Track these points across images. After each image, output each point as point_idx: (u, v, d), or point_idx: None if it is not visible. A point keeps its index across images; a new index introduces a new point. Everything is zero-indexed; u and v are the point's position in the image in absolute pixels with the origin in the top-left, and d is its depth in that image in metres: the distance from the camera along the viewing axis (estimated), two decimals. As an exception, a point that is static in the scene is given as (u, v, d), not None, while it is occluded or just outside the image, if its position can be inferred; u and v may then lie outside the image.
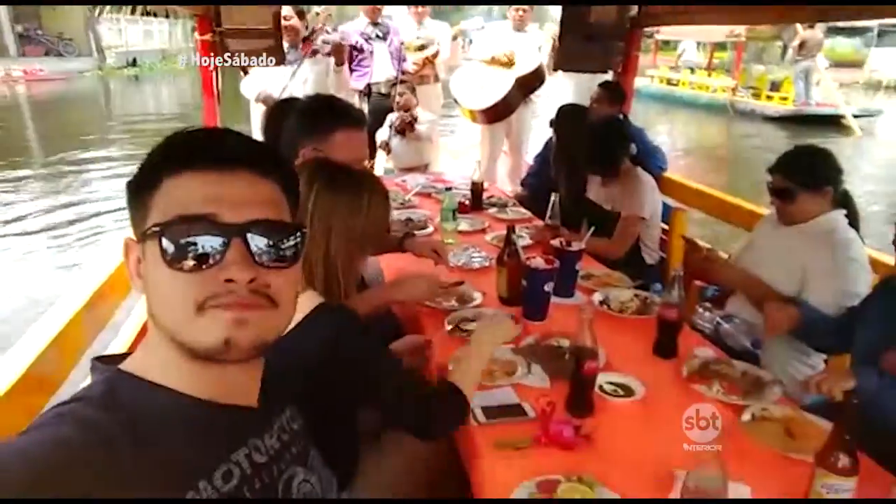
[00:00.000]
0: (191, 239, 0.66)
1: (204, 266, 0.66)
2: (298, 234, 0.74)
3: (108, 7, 21.95)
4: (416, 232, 2.61)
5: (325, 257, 1.29)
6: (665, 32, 17.88)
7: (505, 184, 4.72)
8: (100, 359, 0.74)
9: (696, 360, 1.65)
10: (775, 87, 14.37)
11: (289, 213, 0.76)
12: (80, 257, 5.45)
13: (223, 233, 0.67)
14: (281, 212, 0.73)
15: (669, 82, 17.49)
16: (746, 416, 1.41)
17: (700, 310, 1.98)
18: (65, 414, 0.63)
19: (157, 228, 0.67)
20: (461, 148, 5.44)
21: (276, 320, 0.72)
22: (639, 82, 18.39)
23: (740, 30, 14.71)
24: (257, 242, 0.68)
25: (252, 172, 0.71)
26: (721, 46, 17.95)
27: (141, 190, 0.70)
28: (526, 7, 4.52)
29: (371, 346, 1.28)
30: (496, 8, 4.78)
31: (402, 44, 4.74)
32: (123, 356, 0.74)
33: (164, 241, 0.66)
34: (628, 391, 1.50)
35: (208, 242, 0.66)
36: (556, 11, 4.33)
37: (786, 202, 2.00)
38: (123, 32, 25.08)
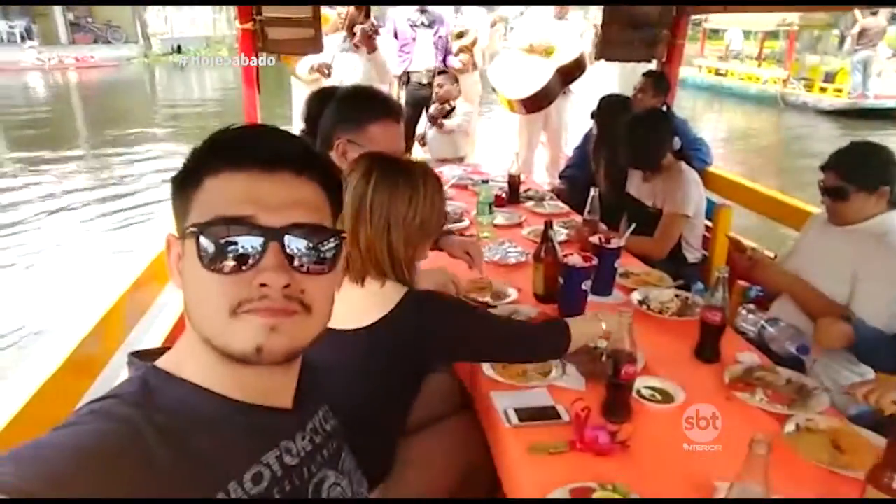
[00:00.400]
0: (228, 240, 0.65)
1: (240, 269, 0.66)
2: (337, 239, 0.72)
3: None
4: (453, 228, 2.57)
5: (389, 250, 1.32)
6: (714, 21, 17.32)
7: (543, 176, 4.65)
8: (137, 354, 0.74)
9: (740, 366, 1.59)
10: (829, 78, 13.69)
11: (330, 217, 0.74)
12: (124, 242, 5.59)
13: (261, 236, 0.66)
14: (322, 216, 0.72)
15: (717, 72, 16.96)
16: (790, 427, 1.35)
17: (743, 312, 1.91)
18: (98, 411, 0.64)
19: (195, 228, 0.66)
20: (498, 139, 5.38)
21: (309, 327, 0.70)
22: (685, 72, 18.05)
23: (793, 18, 14.08)
24: (295, 247, 0.67)
25: (294, 173, 0.69)
26: (773, 35, 17.26)
27: (184, 187, 0.70)
28: None
29: (461, 308, 1.45)
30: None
31: (448, 35, 4.69)
32: (161, 351, 0.74)
33: (202, 242, 0.66)
34: (667, 397, 1.45)
35: (245, 245, 0.66)
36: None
37: (838, 201, 1.91)
38: (168, 20, 25.62)
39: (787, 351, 1.70)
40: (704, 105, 15.27)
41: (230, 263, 0.65)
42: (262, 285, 0.65)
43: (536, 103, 4.34)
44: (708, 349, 1.64)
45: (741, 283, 2.49)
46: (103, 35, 22.80)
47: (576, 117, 4.71)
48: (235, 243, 0.65)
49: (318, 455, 0.80)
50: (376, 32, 3.78)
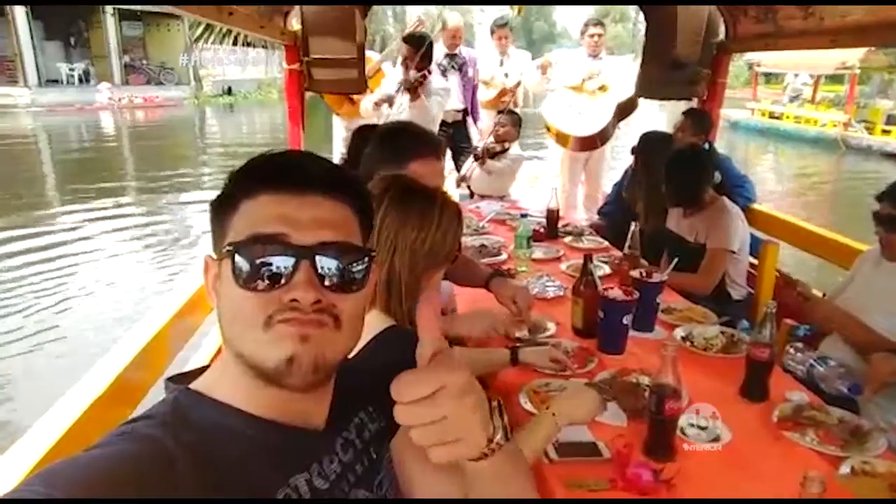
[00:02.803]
0: (261, 259, 0.67)
1: (273, 287, 0.67)
2: (367, 258, 0.73)
3: (207, 37, 23.50)
4: (491, 261, 2.57)
5: (389, 272, 1.26)
6: (767, 65, 17.18)
7: (581, 212, 4.64)
8: (172, 378, 0.76)
9: (789, 404, 1.54)
10: (892, 120, 13.42)
11: (360, 236, 0.76)
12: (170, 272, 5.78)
13: (292, 253, 0.67)
14: (352, 235, 0.73)
15: (772, 115, 16.79)
16: (845, 469, 1.29)
17: (791, 350, 1.85)
18: (128, 432, 0.65)
19: (230, 247, 0.68)
20: (537, 175, 5.39)
21: (338, 341, 0.71)
22: (738, 115, 17.97)
23: (853, 60, 13.84)
24: (325, 265, 0.69)
25: (325, 195, 0.72)
26: (834, 79, 17.05)
27: (221, 210, 0.72)
28: (597, 31, 4.47)
29: None
30: (576, 34, 4.72)
31: (475, 74, 4.77)
32: (199, 372, 0.76)
33: (237, 261, 0.68)
34: (713, 435, 1.41)
35: (277, 262, 0.67)
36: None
37: (893, 233, 1.86)
38: (222, 63, 26.75)
39: (838, 390, 1.64)
40: (758, 147, 15.13)
41: (264, 282, 0.67)
42: (293, 300, 0.67)
43: (593, 142, 4.38)
44: (755, 387, 1.59)
45: (788, 321, 2.41)
46: (156, 76, 23.98)
47: (616, 155, 4.71)
48: (269, 262, 0.67)
49: (350, 474, 0.79)
50: (419, 84, 3.78)
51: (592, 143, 4.40)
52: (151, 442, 0.63)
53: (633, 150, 3.35)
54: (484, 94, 4.86)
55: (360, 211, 0.76)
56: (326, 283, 0.69)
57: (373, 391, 0.87)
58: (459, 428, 0.60)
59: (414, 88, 3.68)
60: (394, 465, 0.88)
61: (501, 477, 0.69)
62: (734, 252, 2.60)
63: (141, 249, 6.89)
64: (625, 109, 4.30)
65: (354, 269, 0.71)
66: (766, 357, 1.56)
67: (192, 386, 0.73)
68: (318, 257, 0.68)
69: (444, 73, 4.64)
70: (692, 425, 1.43)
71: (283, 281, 0.67)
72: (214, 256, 0.73)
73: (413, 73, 3.68)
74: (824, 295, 2.30)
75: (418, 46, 3.81)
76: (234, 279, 0.68)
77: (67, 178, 11.11)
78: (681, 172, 2.67)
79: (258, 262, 0.67)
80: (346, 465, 0.78)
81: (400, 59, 3.87)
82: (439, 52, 4.68)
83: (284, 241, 0.68)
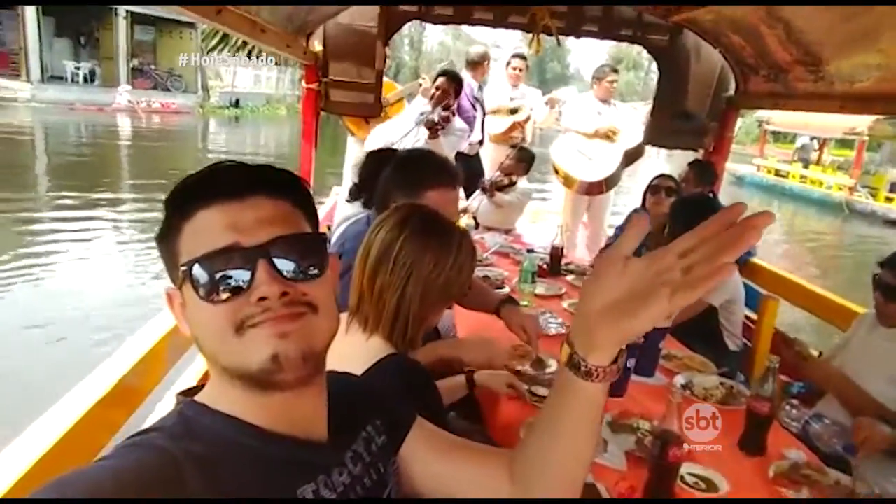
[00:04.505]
0: (219, 270, 0.68)
1: (238, 293, 0.68)
2: (321, 243, 0.75)
3: (221, 48, 23.69)
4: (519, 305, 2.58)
5: (399, 301, 1.27)
6: (777, 123, 17.47)
7: (582, 252, 4.68)
8: (183, 392, 0.76)
9: (786, 461, 1.55)
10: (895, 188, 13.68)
11: (309, 226, 0.77)
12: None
13: (247, 256, 0.68)
14: (300, 226, 0.74)
15: (778, 173, 17.05)
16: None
17: (787, 407, 1.88)
18: (138, 443, 0.66)
19: (184, 268, 0.69)
20: (538, 211, 5.45)
21: (320, 326, 0.72)
22: (743, 169, 18.21)
23: (862, 126, 14.13)
24: (282, 258, 0.69)
25: (262, 195, 0.72)
26: (844, 144, 17.40)
27: (167, 241, 0.72)
28: (613, 78, 4.57)
29: (435, 406, 1.28)
30: (589, 77, 4.78)
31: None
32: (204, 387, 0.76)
33: (195, 278, 0.68)
34: (711, 486, 1.41)
35: (235, 268, 0.68)
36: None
37: (890, 302, 1.89)
38: (234, 75, 26.94)
39: (832, 449, 1.66)
40: (762, 203, 15.35)
41: (227, 291, 0.68)
42: (261, 299, 0.67)
43: (599, 187, 4.45)
44: (753, 441, 1.60)
45: (783, 377, 2.43)
46: (163, 82, 24.05)
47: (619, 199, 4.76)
48: (228, 272, 0.68)
49: (359, 486, 0.79)
50: (440, 126, 3.65)
51: (599, 188, 4.46)
52: (160, 453, 0.64)
53: (642, 205, 3.39)
54: (493, 127, 4.90)
55: (299, 203, 0.76)
56: (288, 276, 0.69)
57: (378, 406, 0.90)
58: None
59: (435, 128, 3.67)
60: (402, 477, 0.89)
61: (600, 406, 0.74)
62: (714, 306, 2.62)
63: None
64: (632, 156, 4.38)
65: (312, 257, 0.72)
66: (767, 412, 1.58)
67: (197, 398, 0.74)
68: (273, 251, 0.69)
69: (473, 105, 4.65)
70: (691, 474, 1.44)
71: (245, 286, 0.68)
72: (174, 287, 0.73)
73: (439, 112, 3.64)
74: (820, 354, 2.34)
75: (458, 83, 3.75)
76: (197, 297, 0.68)
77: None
78: (688, 219, 2.70)
79: (217, 274, 0.68)
80: (356, 478, 0.79)
81: (431, 91, 3.78)
82: (470, 87, 4.65)
83: (236, 247, 0.68)
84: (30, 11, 20.11)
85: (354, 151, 4.36)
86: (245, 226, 0.69)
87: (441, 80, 3.69)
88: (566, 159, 4.48)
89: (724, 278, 0.60)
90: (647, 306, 0.63)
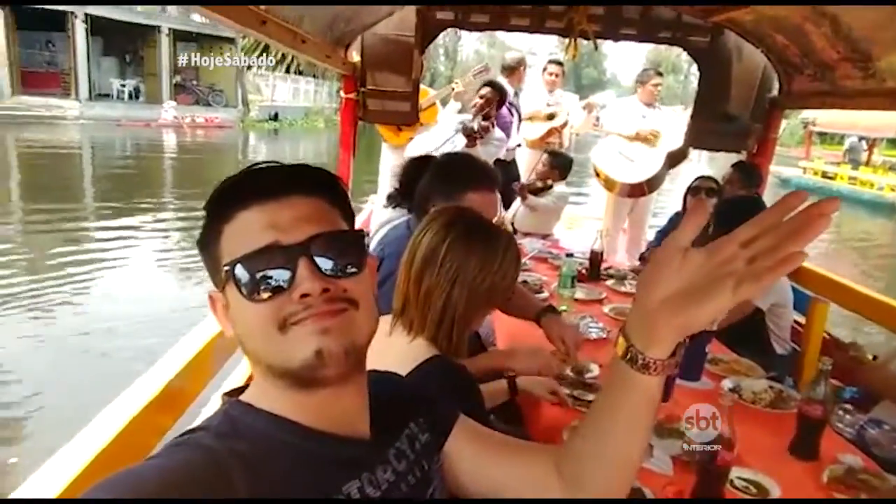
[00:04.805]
0: (260, 269, 0.69)
1: (279, 292, 0.69)
2: (360, 238, 0.77)
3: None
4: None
5: (444, 304, 1.27)
6: (822, 124, 16.98)
7: (622, 257, 4.63)
8: (228, 393, 0.78)
9: (840, 466, 1.50)
10: None
11: (345, 224, 0.78)
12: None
13: (288, 255, 0.69)
14: (337, 224, 0.76)
15: (825, 175, 16.56)
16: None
17: (840, 412, 1.82)
18: (185, 442, 0.68)
19: (227, 269, 0.70)
20: (575, 217, 5.41)
21: (361, 321, 0.73)
22: (789, 172, 17.76)
23: None
24: (321, 255, 0.70)
25: (299, 195, 0.73)
26: (892, 143, 16.84)
27: (208, 245, 0.74)
28: (657, 81, 4.52)
29: (478, 408, 1.28)
30: (626, 83, 4.76)
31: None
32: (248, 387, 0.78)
33: (237, 278, 0.69)
34: (762, 490, 1.38)
35: (277, 267, 0.69)
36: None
37: None
38: (273, 88, 27.54)
39: (891, 455, 1.60)
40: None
41: (270, 290, 0.69)
42: (303, 296, 0.68)
43: (641, 189, 4.40)
44: (806, 445, 1.56)
45: (834, 382, 2.36)
46: (205, 98, 24.77)
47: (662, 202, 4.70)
48: (268, 273, 0.69)
49: (403, 483, 0.79)
50: (479, 136, 3.69)
51: (641, 190, 4.42)
52: (207, 451, 0.65)
53: (685, 196, 3.33)
54: (529, 133, 4.89)
55: (336, 201, 0.77)
56: (328, 273, 0.70)
57: (421, 404, 0.90)
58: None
59: (473, 137, 3.64)
60: (446, 475, 0.89)
61: (656, 401, 0.73)
62: (762, 309, 2.56)
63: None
64: (675, 158, 4.32)
65: (351, 254, 0.73)
66: (820, 415, 1.53)
67: (242, 398, 0.75)
68: (312, 249, 0.70)
69: (510, 110, 4.65)
70: (741, 478, 1.40)
71: (287, 284, 0.69)
72: (217, 289, 0.74)
73: (479, 122, 3.65)
74: (874, 358, 2.26)
75: (502, 94, 3.78)
76: (240, 297, 0.70)
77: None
78: (734, 220, 2.64)
79: (259, 274, 0.69)
80: (400, 475, 0.79)
81: (475, 100, 3.80)
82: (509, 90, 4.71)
83: (276, 246, 0.69)
84: (80, 32, 20.97)
85: (389, 158, 4.40)
86: (284, 225, 0.70)
87: (486, 89, 3.73)
88: (607, 162, 4.45)
89: (794, 267, 0.58)
90: (710, 298, 0.62)
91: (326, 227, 0.72)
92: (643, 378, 0.69)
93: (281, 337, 0.69)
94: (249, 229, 0.71)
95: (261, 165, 0.76)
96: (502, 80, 4.47)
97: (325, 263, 0.70)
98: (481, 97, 3.66)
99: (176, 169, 14.77)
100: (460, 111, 3.98)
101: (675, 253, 0.65)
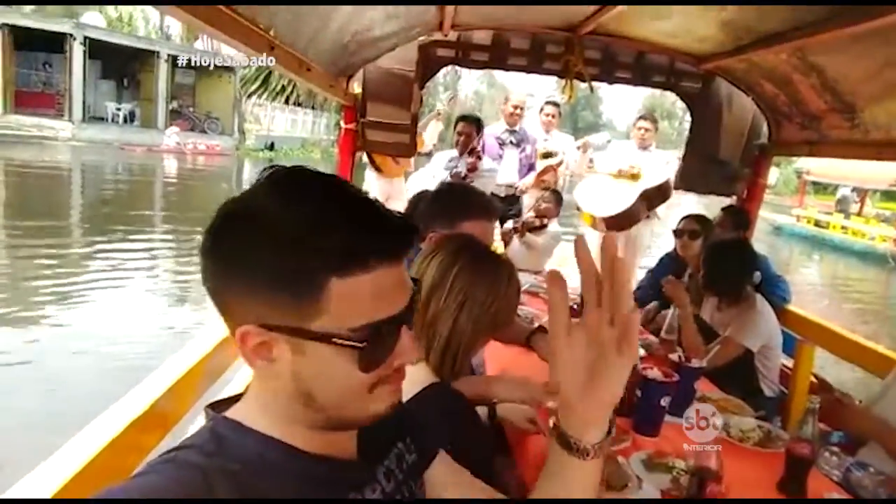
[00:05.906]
0: (380, 342, 0.68)
1: (385, 358, 0.69)
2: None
3: (260, 93, 24.46)
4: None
5: (451, 330, 1.30)
6: (816, 174, 17.29)
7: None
8: (212, 405, 0.77)
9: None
10: None
11: None
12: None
13: (396, 324, 0.69)
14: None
15: (818, 224, 16.79)
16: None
17: (826, 453, 1.82)
18: (172, 460, 0.67)
19: (349, 340, 0.65)
20: (566, 257, 5.45)
21: None
22: (782, 219, 17.98)
23: None
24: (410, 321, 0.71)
25: (402, 259, 0.71)
26: (889, 196, 17.16)
27: (299, 288, 0.64)
28: (648, 126, 4.62)
29: (474, 435, 1.29)
30: (622, 127, 4.88)
31: (534, 152, 4.88)
32: (234, 399, 0.76)
33: (353, 347, 0.66)
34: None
35: (388, 337, 0.68)
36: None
37: None
38: (271, 119, 27.72)
39: (876, 497, 1.60)
40: (802, 253, 15.09)
41: (376, 361, 0.68)
42: (403, 364, 0.71)
43: (618, 223, 4.43)
44: (794, 483, 1.56)
45: (821, 426, 2.37)
46: (200, 124, 24.85)
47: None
48: (381, 340, 0.67)
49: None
50: (467, 177, 3.77)
51: (619, 222, 4.44)
52: (195, 469, 0.65)
53: (675, 232, 3.38)
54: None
55: None
56: None
57: (409, 424, 0.91)
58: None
59: (463, 177, 3.70)
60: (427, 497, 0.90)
61: (598, 477, 0.74)
62: (752, 351, 2.59)
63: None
64: (653, 195, 4.37)
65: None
66: (808, 453, 1.54)
67: (229, 415, 0.74)
68: (407, 318, 0.70)
69: (501, 146, 4.74)
70: (729, 513, 1.41)
71: (389, 349, 0.69)
72: (266, 328, 0.67)
73: (465, 161, 3.71)
74: (859, 402, 2.28)
75: (477, 123, 3.89)
76: (341, 360, 0.66)
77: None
78: (724, 261, 2.70)
79: (380, 346, 0.68)
80: (388, 496, 0.80)
81: (455, 137, 3.90)
82: (499, 126, 4.82)
83: (392, 316, 0.68)
84: (77, 54, 21.14)
85: (374, 187, 4.47)
86: (395, 292, 0.68)
87: (461, 125, 3.85)
88: (586, 198, 4.51)
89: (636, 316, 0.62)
90: (608, 366, 0.65)
91: (410, 289, 0.71)
92: (583, 463, 0.71)
93: (368, 395, 0.70)
94: (373, 295, 0.66)
95: (383, 216, 0.68)
96: (502, 120, 4.68)
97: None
98: (459, 133, 3.75)
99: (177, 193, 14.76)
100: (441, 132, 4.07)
101: (561, 336, 0.68)
